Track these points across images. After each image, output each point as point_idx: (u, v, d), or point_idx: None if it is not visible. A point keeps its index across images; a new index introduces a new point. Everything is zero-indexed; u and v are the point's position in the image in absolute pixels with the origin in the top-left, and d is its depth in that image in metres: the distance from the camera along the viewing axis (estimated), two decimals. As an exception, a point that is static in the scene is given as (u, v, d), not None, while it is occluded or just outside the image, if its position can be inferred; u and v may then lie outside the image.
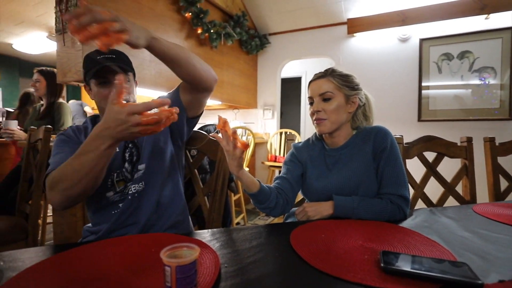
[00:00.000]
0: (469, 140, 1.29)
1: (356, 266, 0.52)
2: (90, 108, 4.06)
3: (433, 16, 2.75)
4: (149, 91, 2.38)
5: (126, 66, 0.92)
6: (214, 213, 1.00)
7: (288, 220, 1.02)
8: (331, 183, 0.91)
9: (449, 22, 2.74)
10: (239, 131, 2.86)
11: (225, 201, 1.03)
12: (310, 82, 0.96)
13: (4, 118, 2.50)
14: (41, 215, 1.92)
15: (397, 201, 0.83)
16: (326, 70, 0.95)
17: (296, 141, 1.15)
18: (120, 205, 0.87)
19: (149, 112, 0.60)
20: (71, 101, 3.97)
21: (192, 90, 0.91)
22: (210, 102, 3.29)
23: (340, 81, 0.92)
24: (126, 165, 0.90)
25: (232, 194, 2.45)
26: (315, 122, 0.94)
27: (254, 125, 3.85)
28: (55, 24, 1.85)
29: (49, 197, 0.74)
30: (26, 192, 1.43)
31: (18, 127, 2.04)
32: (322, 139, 1.02)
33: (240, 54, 3.48)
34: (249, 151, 2.73)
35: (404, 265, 0.50)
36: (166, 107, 0.62)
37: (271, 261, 0.56)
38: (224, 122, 0.74)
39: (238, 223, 2.65)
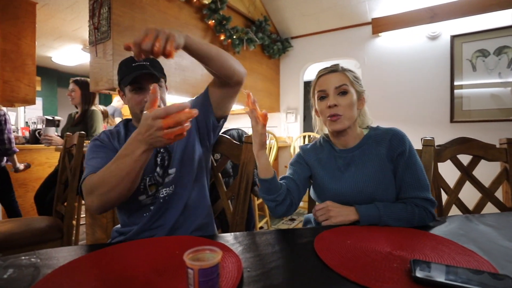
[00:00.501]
0: (510, 141, 1.19)
1: (385, 275, 0.49)
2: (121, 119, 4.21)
3: (465, 11, 2.59)
4: (174, 97, 2.46)
5: (159, 72, 0.94)
6: (238, 216, 1.01)
7: (308, 226, 1.00)
8: (346, 186, 0.87)
9: (483, 16, 2.57)
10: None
11: (248, 205, 1.03)
12: (321, 76, 0.92)
13: (44, 126, 2.70)
14: (75, 216, 2.04)
15: (422, 203, 0.79)
16: (335, 65, 0.92)
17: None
18: (152, 207, 0.89)
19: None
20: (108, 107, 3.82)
21: (223, 85, 0.94)
22: (233, 106, 3.33)
23: (352, 76, 0.89)
24: (158, 169, 0.92)
25: (256, 198, 2.44)
26: (329, 118, 0.88)
27: (277, 129, 3.84)
28: (89, 37, 1.98)
29: (87, 202, 0.77)
30: (62, 194, 1.53)
31: (56, 133, 2.18)
32: (330, 141, 0.97)
33: (262, 58, 3.51)
34: (272, 154, 2.72)
35: (438, 276, 0.47)
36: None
37: (295, 266, 0.54)
38: (248, 95, 0.77)
39: (261, 227, 2.64)
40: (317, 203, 0.97)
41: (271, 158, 2.73)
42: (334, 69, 0.90)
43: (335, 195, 0.88)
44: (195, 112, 0.62)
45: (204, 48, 0.81)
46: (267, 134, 3.04)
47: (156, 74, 0.92)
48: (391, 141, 0.85)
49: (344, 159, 0.91)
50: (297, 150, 1.03)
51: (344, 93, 0.87)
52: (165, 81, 1.02)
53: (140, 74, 0.89)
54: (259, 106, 0.79)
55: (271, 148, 2.76)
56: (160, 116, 0.61)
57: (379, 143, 0.87)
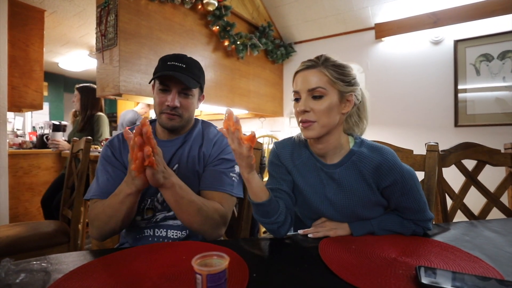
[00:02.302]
0: (515, 146, 1.19)
1: (391, 281, 0.50)
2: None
3: (468, 16, 2.60)
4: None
5: (193, 79, 0.88)
6: (242, 221, 1.01)
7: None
8: (329, 204, 0.78)
9: (487, 21, 2.57)
10: (265, 140, 2.87)
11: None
12: (297, 72, 0.77)
13: (51, 130, 2.74)
14: (81, 221, 2.06)
15: (422, 224, 0.75)
16: (317, 58, 0.75)
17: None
18: (145, 231, 0.88)
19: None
20: (127, 111, 3.75)
21: None
22: (237, 111, 3.35)
23: (334, 74, 0.73)
24: (159, 195, 0.88)
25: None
26: (300, 124, 0.76)
27: (280, 133, 3.85)
28: (96, 43, 2.01)
29: (89, 230, 0.82)
30: (68, 198, 1.55)
31: (63, 138, 2.21)
32: (308, 146, 0.84)
33: (266, 63, 3.53)
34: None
35: (444, 282, 0.47)
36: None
37: (300, 272, 0.55)
38: (229, 114, 0.65)
39: (265, 232, 2.64)
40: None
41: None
42: (311, 64, 0.74)
43: (318, 210, 0.80)
44: (148, 150, 0.64)
45: (174, 207, 0.77)
46: (271, 138, 3.00)
47: (185, 81, 0.85)
48: (378, 170, 0.73)
49: (326, 173, 0.79)
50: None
51: (318, 97, 0.72)
52: (202, 90, 0.96)
53: (169, 76, 0.85)
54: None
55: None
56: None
57: (364, 165, 0.74)
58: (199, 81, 0.91)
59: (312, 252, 0.64)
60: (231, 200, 0.87)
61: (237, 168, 0.91)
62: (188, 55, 0.92)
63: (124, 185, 0.73)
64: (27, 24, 2.86)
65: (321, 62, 0.74)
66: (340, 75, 0.74)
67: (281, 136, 3.79)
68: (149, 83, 0.93)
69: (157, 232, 0.88)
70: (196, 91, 0.92)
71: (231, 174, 0.89)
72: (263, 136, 2.78)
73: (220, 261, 0.44)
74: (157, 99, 0.88)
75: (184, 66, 0.86)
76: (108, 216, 0.76)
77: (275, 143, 0.89)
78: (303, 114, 0.74)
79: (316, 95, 0.72)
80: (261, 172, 2.12)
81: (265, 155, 2.53)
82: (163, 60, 0.89)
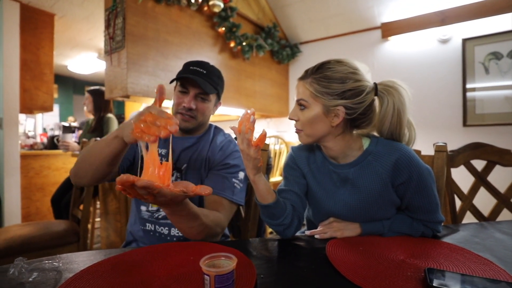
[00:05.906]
0: (526, 147, 1.17)
1: (399, 284, 0.49)
2: None
3: (476, 13, 2.56)
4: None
5: (210, 85, 0.91)
6: (249, 222, 1.02)
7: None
8: (341, 205, 0.78)
9: (495, 19, 2.53)
10: (272, 140, 2.87)
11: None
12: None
13: (61, 132, 2.78)
14: (90, 220, 2.09)
15: (432, 226, 0.75)
16: (312, 68, 0.77)
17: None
18: (147, 225, 0.89)
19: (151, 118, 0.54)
20: (135, 112, 3.72)
21: None
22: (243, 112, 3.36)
23: (318, 88, 0.72)
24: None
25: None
26: None
27: (287, 134, 3.84)
28: (104, 46, 2.04)
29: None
30: (78, 198, 1.57)
31: (74, 139, 2.25)
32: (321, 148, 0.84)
33: (271, 64, 3.53)
34: (282, 159, 2.72)
35: (454, 285, 0.46)
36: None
37: (308, 274, 0.55)
38: (247, 116, 0.67)
39: (271, 233, 2.63)
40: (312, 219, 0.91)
41: (281, 163, 2.73)
42: (302, 76, 0.78)
43: (329, 212, 0.80)
44: (174, 129, 0.53)
45: (184, 217, 0.68)
46: (277, 139, 3.01)
47: (204, 86, 0.87)
48: (395, 166, 0.72)
49: (339, 175, 0.79)
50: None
51: (303, 107, 0.76)
52: (219, 97, 0.99)
53: (189, 79, 0.88)
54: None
55: (280, 153, 2.77)
56: (149, 111, 0.56)
57: (380, 163, 0.73)
58: (217, 87, 0.94)
59: (319, 253, 0.64)
60: (230, 206, 0.86)
61: (241, 175, 0.91)
62: (196, 57, 0.93)
63: (116, 131, 0.69)
64: (38, 28, 2.92)
65: (309, 74, 0.75)
66: (325, 88, 0.72)
67: (287, 137, 3.79)
68: (170, 83, 0.94)
69: (158, 229, 0.89)
70: (213, 97, 0.95)
71: (233, 179, 0.89)
72: (270, 137, 2.78)
73: (228, 262, 0.45)
74: (175, 100, 0.92)
75: (204, 72, 0.91)
76: (90, 156, 0.73)
77: (292, 148, 0.90)
78: (295, 121, 0.78)
79: (301, 104, 0.76)
80: (267, 173, 2.13)
81: (271, 155, 2.53)
82: (187, 65, 0.93)
